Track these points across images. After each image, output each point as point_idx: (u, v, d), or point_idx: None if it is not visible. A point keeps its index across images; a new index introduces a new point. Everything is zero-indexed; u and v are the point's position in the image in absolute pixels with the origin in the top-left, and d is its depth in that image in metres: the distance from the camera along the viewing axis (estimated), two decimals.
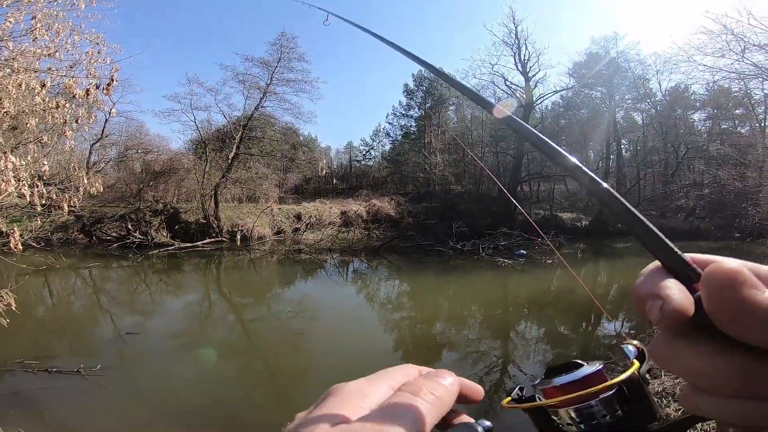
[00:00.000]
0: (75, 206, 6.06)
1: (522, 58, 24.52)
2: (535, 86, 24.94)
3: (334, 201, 24.96)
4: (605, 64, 25.86)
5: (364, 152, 38.75)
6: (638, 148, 29.32)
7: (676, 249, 0.28)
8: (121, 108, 20.72)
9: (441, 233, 19.85)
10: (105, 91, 5.26)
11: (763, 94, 22.47)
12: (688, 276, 0.27)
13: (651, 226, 0.30)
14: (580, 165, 0.36)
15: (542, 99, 26.45)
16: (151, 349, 6.43)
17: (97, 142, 20.39)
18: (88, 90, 5.03)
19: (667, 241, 0.29)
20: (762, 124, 24.98)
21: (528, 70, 24.53)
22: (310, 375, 5.94)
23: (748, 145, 22.57)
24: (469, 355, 6.82)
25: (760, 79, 13.46)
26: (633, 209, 0.31)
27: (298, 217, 21.82)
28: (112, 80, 5.25)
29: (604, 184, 0.33)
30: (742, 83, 19.03)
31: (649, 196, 26.61)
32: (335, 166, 38.24)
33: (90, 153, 20.44)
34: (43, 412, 3.97)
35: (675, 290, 0.26)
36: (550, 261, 15.18)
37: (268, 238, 19.73)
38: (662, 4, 47.39)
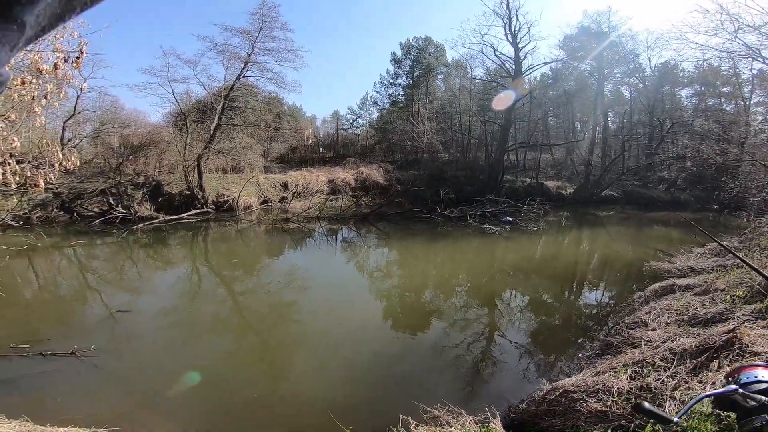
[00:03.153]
0: (52, 182, 5.86)
1: (513, 29, 23.92)
2: (525, 57, 24.54)
3: (321, 169, 24.69)
4: (596, 39, 25.60)
5: (351, 121, 38.02)
6: (624, 120, 29.66)
7: None
8: (93, 84, 19.94)
9: (429, 200, 19.99)
10: (74, 65, 4.96)
11: (751, 74, 22.94)
12: None
13: None
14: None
15: (531, 70, 26.21)
16: (143, 326, 6.46)
17: (70, 118, 19.54)
18: (56, 64, 4.73)
19: None
20: (747, 103, 25.51)
21: (518, 41, 24.00)
22: (302, 347, 6.08)
23: (732, 122, 23.44)
24: (457, 323, 7.03)
25: (750, 59, 13.54)
26: None
27: (285, 186, 21.60)
28: (81, 53, 4.95)
29: None
30: (731, 62, 19.28)
31: (633, 167, 27.28)
32: (322, 135, 37.51)
33: (63, 130, 19.60)
34: (43, 397, 4.00)
35: None
36: (535, 228, 15.48)
37: (254, 208, 19.58)
38: None
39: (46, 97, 5.22)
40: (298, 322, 7.24)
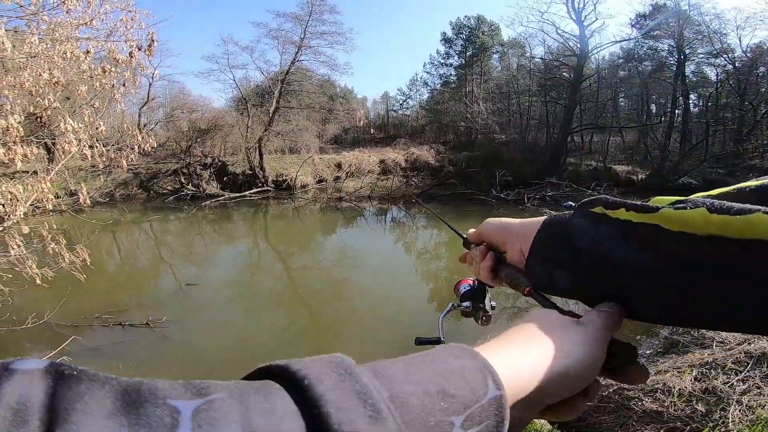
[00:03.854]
0: (133, 163, 6.44)
1: (576, 6, 21.77)
2: (591, 35, 22.32)
3: (372, 150, 24.79)
4: (674, 16, 22.72)
5: (401, 102, 37.58)
6: (710, 104, 26.25)
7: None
8: (163, 72, 21.30)
9: (483, 182, 19.36)
10: (147, 53, 5.33)
11: None
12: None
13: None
14: None
15: (599, 49, 23.84)
16: (208, 299, 7.00)
17: (144, 104, 21.25)
18: (131, 53, 5.12)
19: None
20: None
21: (583, 18, 21.87)
22: (350, 324, 6.28)
23: None
24: (506, 310, 6.86)
25: None
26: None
27: (339, 166, 22.02)
28: (153, 41, 5.31)
29: None
30: None
31: (718, 154, 24.22)
32: (372, 116, 37.52)
33: (140, 115, 21.37)
34: (119, 365, 4.46)
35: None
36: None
37: (310, 187, 20.27)
38: None
39: (124, 85, 5.67)
40: (347, 299, 7.47)
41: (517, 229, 0.57)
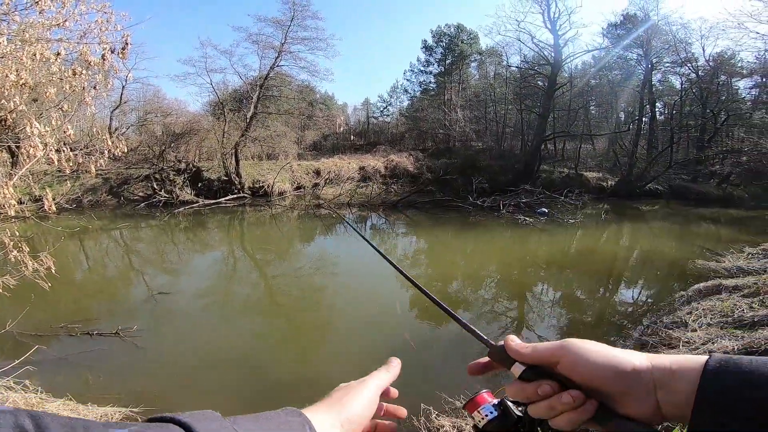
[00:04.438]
0: (102, 168, 6.24)
1: (552, 15, 22.65)
2: (565, 44, 23.25)
3: (352, 157, 24.85)
4: (643, 26, 23.96)
5: (381, 108, 37.92)
6: (674, 112, 27.70)
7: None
8: (137, 75, 20.94)
9: (461, 189, 19.68)
10: (120, 55, 5.20)
11: None
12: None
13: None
14: None
15: (572, 58, 24.92)
16: (182, 307, 6.81)
17: (116, 108, 20.68)
18: (103, 55, 4.99)
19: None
20: None
21: (558, 28, 22.76)
22: (328, 331, 6.22)
23: None
24: (484, 315, 6.96)
25: None
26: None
27: (317, 172, 21.95)
28: (127, 44, 5.19)
29: None
30: None
31: (682, 160, 25.52)
32: (353, 123, 37.66)
33: (111, 119, 20.79)
34: (87, 376, 4.29)
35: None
36: (572, 221, 14.95)
37: (288, 194, 20.07)
38: None
39: (95, 88, 5.51)
40: (327, 306, 7.41)
41: (646, 375, 0.43)
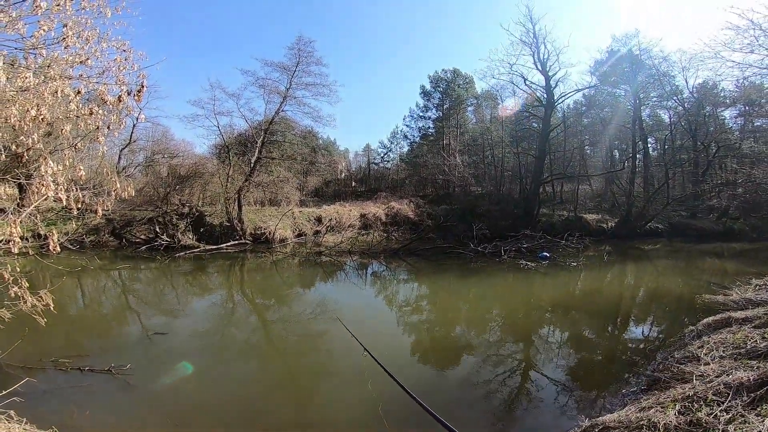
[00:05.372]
0: (108, 210, 6.30)
1: (541, 57, 24.02)
2: (556, 85, 24.39)
3: (353, 204, 25.16)
4: (627, 62, 25.22)
5: (382, 154, 39.00)
6: (666, 147, 28.35)
7: None
8: (148, 114, 21.61)
9: (461, 235, 19.71)
10: (136, 98, 5.46)
11: None
12: None
13: None
14: None
15: (563, 98, 25.95)
16: (178, 349, 6.61)
17: (126, 147, 21.20)
18: (120, 96, 5.24)
19: None
20: None
21: (548, 69, 24.04)
22: (329, 377, 5.98)
23: None
24: (489, 359, 6.72)
25: None
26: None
27: (319, 219, 22.09)
28: (143, 86, 5.46)
29: None
30: None
31: (679, 197, 25.69)
32: (354, 169, 38.54)
33: (119, 158, 21.24)
34: (74, 410, 4.12)
35: None
36: (574, 264, 14.83)
37: (289, 241, 20.06)
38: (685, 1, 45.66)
39: (108, 127, 5.74)
40: (327, 351, 7.18)
41: None
